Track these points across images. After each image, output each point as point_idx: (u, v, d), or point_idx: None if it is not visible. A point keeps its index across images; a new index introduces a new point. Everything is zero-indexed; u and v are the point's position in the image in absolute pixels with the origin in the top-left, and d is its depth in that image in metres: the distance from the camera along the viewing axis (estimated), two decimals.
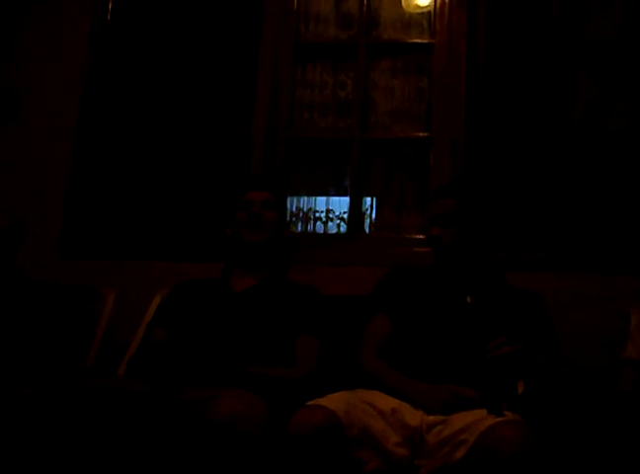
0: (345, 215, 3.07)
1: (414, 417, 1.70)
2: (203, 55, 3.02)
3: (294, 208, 3.10)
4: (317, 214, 3.32)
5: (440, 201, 2.08)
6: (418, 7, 3.01)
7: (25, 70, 3.11)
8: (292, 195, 3.07)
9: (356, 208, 2.91)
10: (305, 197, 3.28)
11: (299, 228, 3.12)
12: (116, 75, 3.05)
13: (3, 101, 3.04)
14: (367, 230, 2.99)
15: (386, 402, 1.72)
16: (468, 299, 1.97)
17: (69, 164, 2.98)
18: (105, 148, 2.99)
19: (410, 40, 3.00)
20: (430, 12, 2.98)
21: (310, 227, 3.18)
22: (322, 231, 3.11)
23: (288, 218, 3.00)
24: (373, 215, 3.01)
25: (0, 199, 2.93)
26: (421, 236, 2.76)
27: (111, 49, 3.07)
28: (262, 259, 2.20)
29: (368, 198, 3.01)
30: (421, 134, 2.92)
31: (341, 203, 3.25)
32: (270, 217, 2.19)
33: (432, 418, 1.69)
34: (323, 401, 1.64)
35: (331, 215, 3.58)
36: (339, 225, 3.54)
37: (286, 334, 2.03)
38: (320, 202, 3.58)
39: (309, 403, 1.64)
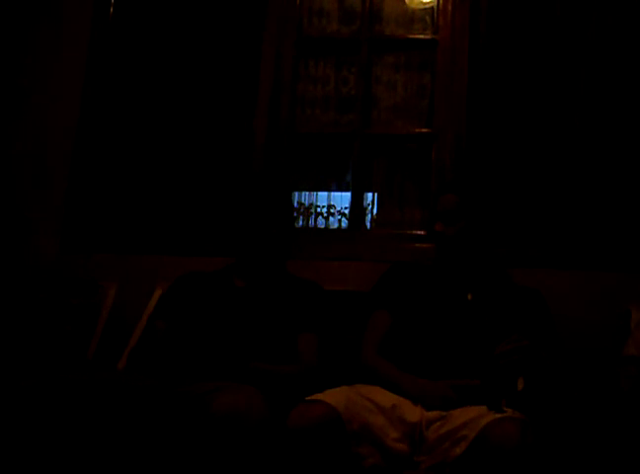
0: (346, 211, 3.07)
1: (413, 413, 1.70)
2: (206, 51, 3.01)
3: (296, 203, 3.11)
4: (318, 209, 3.33)
5: (444, 198, 2.08)
6: (421, 3, 3.00)
7: (26, 68, 3.11)
8: (294, 189, 3.07)
9: (357, 204, 2.90)
10: (307, 193, 3.28)
11: (301, 223, 3.13)
12: (116, 71, 3.04)
13: (6, 95, 3.04)
14: (369, 226, 2.99)
15: (386, 398, 1.73)
16: (469, 296, 1.97)
17: (70, 158, 2.97)
18: (106, 143, 2.98)
19: (413, 36, 2.99)
20: (433, 8, 2.97)
21: (312, 222, 3.19)
22: (323, 226, 3.11)
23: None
24: (375, 211, 3.01)
25: (1, 193, 2.94)
26: (422, 232, 2.76)
27: (111, 45, 3.05)
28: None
29: (370, 194, 3.01)
30: (423, 130, 2.91)
31: (342, 199, 3.25)
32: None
33: (431, 414, 1.69)
34: (323, 396, 1.65)
35: (332, 210, 3.59)
36: (340, 220, 3.55)
37: (288, 329, 2.04)
38: (322, 198, 3.59)
39: (309, 398, 1.64)
